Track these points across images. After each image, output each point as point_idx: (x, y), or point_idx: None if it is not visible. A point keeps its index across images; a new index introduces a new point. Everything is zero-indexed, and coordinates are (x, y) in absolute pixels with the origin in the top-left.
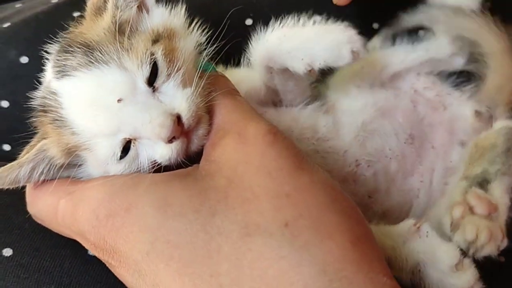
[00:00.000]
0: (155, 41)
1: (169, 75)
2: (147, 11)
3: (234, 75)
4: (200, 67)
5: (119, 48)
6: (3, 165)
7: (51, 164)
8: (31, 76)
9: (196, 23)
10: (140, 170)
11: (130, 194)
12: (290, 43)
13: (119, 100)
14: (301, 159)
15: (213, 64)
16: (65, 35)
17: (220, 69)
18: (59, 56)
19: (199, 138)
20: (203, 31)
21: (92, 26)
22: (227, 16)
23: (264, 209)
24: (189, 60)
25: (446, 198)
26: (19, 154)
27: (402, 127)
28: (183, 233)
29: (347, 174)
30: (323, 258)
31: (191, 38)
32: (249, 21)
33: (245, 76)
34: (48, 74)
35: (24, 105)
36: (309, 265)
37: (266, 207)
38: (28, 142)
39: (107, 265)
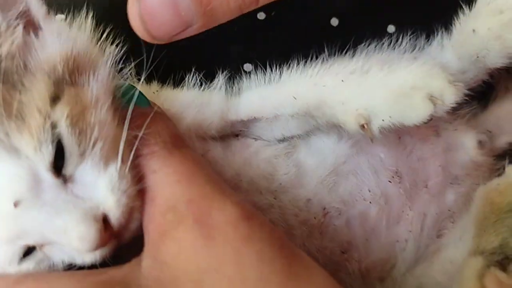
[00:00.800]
0: (55, 98)
1: (82, 154)
2: (37, 31)
3: (177, 98)
4: (128, 102)
5: (5, 119)
6: None
7: None
8: None
9: (108, 34)
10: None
11: None
12: (347, 91)
13: (15, 204)
14: (292, 255)
15: (137, 88)
16: None
17: (153, 89)
18: None
19: (132, 232)
20: (119, 42)
21: None
22: None
23: None
24: (108, 113)
25: (444, 263)
26: None
27: (383, 163)
28: None
29: (311, 227)
30: None
31: (106, 63)
32: None
33: (193, 101)
34: None
35: None
36: None
37: None
38: None
39: None
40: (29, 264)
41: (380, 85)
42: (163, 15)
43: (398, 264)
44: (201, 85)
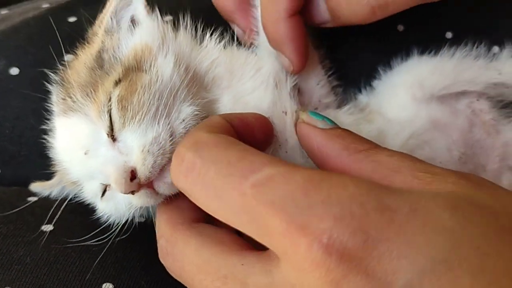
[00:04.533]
0: (117, 81)
1: (124, 124)
2: (137, 25)
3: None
4: None
5: (86, 94)
6: None
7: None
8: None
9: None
10: (122, 213)
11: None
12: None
13: (85, 153)
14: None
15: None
16: (68, 63)
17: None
18: (58, 90)
19: (167, 185)
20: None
21: (82, 57)
22: None
23: None
24: (160, 91)
25: None
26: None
27: (455, 144)
28: None
29: None
30: None
31: (178, 44)
32: None
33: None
34: None
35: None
36: None
37: None
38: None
39: None
40: (106, 203)
41: None
42: None
43: None
44: None
